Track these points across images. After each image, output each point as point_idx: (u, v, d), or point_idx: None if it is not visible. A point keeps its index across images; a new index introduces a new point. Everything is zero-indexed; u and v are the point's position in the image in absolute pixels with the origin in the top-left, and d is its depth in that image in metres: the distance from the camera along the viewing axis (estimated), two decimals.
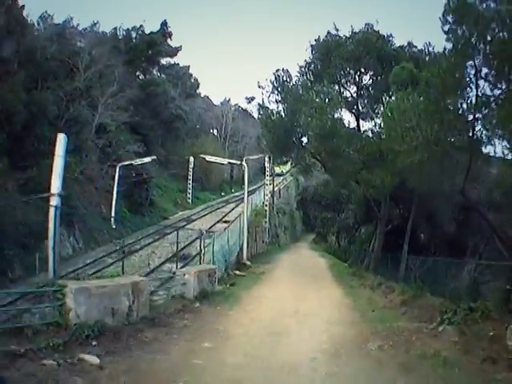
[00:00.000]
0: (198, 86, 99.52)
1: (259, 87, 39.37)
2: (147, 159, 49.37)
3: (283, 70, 39.77)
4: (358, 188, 43.98)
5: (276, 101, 39.45)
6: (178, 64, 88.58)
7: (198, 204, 68.23)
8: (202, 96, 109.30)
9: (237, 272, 34.79)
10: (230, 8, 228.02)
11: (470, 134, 26.78)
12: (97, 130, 48.31)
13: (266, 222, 61.67)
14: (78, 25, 56.91)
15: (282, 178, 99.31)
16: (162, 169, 69.88)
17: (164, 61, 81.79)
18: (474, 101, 25.61)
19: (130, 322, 14.64)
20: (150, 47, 72.21)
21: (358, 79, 41.28)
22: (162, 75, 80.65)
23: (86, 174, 44.97)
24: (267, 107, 39.61)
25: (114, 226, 44.55)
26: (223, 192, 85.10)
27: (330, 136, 34.59)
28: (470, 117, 26.60)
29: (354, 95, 42.06)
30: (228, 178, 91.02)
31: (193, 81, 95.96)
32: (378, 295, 26.20)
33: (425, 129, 25.03)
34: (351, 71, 40.58)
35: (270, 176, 67.62)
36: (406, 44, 38.45)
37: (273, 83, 39.47)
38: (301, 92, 37.72)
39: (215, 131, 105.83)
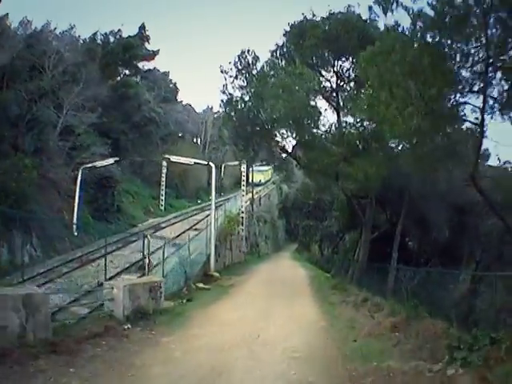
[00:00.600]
0: (177, 92, 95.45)
1: (222, 72, 33.73)
2: (110, 160, 44.74)
3: (249, 51, 34.17)
4: (339, 191, 39.00)
5: (240, 87, 34.00)
6: (159, 70, 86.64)
7: (172, 211, 63.23)
8: (184, 104, 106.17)
9: (200, 285, 30.16)
10: (213, 16, 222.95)
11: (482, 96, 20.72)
12: (62, 132, 44.81)
13: (242, 230, 57.25)
14: (55, 28, 54.87)
15: (261, 187, 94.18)
16: (135, 175, 66.09)
17: (141, 65, 77.70)
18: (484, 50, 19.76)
19: (23, 344, 11.63)
20: (126, 50, 67.94)
21: (337, 65, 36.07)
22: (138, 79, 76.60)
23: (49, 178, 41.13)
24: (230, 93, 33.98)
25: (75, 234, 40.67)
26: (200, 199, 79.80)
27: (301, 121, 29.33)
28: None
29: (334, 85, 36.81)
30: (205, 185, 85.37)
31: (171, 86, 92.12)
32: (363, 315, 20.72)
33: (421, 83, 18.62)
34: (329, 56, 35.26)
35: (247, 184, 62.62)
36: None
37: (237, 67, 33.91)
38: (267, 72, 32.43)
39: (198, 140, 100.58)
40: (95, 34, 68.00)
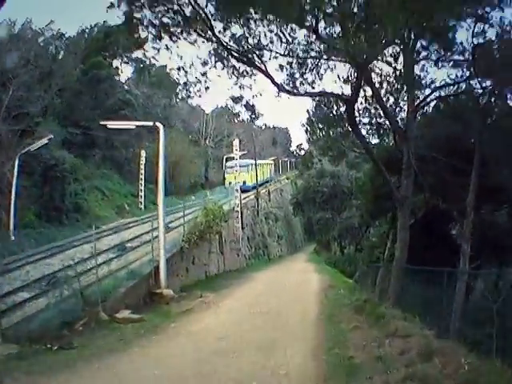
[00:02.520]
0: (176, 87, 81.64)
1: None
2: (44, 141, 33.93)
3: None
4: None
5: None
6: (155, 64, 74.74)
7: (154, 210, 49.14)
8: (194, 104, 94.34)
9: (123, 314, 17.11)
10: None
11: None
12: (16, 118, 37.55)
13: (237, 227, 43.80)
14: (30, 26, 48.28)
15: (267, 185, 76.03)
16: (114, 171, 54.07)
17: (129, 54, 69.04)
18: None
19: None
20: (107, 37, 60.01)
21: None
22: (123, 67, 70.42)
23: None
24: None
25: (12, 237, 30.56)
26: (194, 196, 65.56)
27: None
28: None
29: None
30: (203, 180, 72.56)
31: (171, 80, 77.96)
32: None
33: None
34: None
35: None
36: None
37: None
38: None
39: (208, 140, 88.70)
40: (84, 29, 62.15)
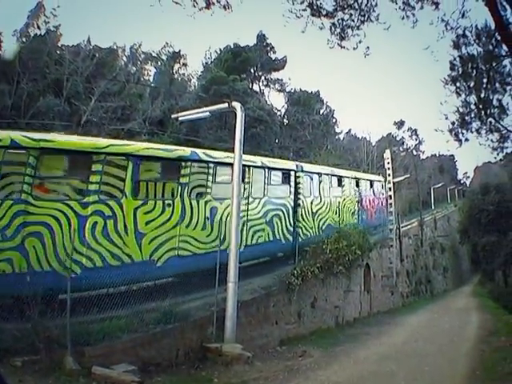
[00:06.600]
0: (332, 114, 79.37)
1: None
2: None
3: None
4: None
5: None
6: (306, 90, 72.48)
7: None
8: (349, 132, 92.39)
9: (106, 371, 11.55)
10: None
11: None
12: None
13: (392, 259, 36.74)
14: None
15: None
16: None
17: (267, 76, 70.91)
18: None
19: None
20: (236, 56, 61.83)
21: None
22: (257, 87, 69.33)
23: None
24: None
25: None
26: None
27: None
28: None
29: None
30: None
31: (325, 108, 76.63)
32: None
33: None
34: None
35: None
36: None
37: None
38: None
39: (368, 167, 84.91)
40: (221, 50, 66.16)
